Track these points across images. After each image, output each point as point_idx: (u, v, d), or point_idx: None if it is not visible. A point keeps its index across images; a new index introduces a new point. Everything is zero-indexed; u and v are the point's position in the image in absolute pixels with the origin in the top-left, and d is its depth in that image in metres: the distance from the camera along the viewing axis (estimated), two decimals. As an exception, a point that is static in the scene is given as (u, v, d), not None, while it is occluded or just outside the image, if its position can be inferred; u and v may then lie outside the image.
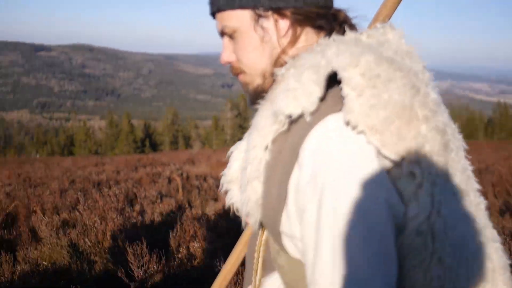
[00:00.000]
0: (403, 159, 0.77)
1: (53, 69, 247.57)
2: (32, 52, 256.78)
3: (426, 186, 0.78)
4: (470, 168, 0.93)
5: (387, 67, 0.79)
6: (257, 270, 1.04)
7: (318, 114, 0.82)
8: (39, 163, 19.13)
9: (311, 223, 0.78)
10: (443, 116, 0.85)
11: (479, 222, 0.88)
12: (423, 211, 0.77)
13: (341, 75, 0.79)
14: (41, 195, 7.24)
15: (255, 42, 0.95)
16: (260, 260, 1.04)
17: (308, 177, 0.79)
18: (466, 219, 0.85)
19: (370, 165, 0.76)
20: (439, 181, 0.79)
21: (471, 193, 0.89)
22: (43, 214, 5.78)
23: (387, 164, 0.78)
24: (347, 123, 0.78)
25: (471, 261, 0.83)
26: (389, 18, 1.07)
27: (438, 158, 0.79)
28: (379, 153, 0.77)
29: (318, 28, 0.95)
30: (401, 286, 0.79)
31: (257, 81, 0.97)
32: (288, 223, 0.85)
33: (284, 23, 0.93)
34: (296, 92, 0.82)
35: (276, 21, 0.93)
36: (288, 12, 0.92)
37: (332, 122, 0.80)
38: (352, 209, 0.74)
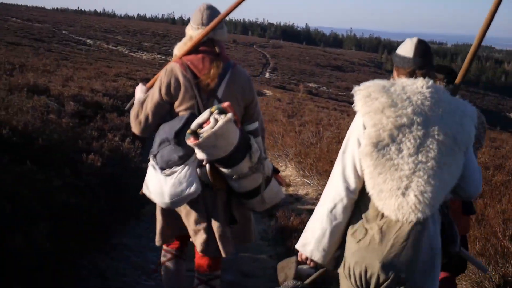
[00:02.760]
0: (368, 126, 2.00)
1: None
2: None
3: (373, 136, 2.00)
4: (435, 147, 1.98)
5: (378, 93, 2.02)
6: None
7: None
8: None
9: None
10: (411, 117, 1.97)
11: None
12: (367, 141, 2.00)
13: (356, 94, 2.08)
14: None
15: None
16: None
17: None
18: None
19: (357, 124, 2.06)
20: (382, 136, 1.97)
21: (419, 154, 1.98)
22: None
23: (364, 125, 2.03)
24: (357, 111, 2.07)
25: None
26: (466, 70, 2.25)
27: (386, 131, 1.97)
28: (363, 122, 2.02)
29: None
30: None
31: None
32: None
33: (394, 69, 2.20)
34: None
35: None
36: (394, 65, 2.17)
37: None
38: (348, 136, 2.11)
